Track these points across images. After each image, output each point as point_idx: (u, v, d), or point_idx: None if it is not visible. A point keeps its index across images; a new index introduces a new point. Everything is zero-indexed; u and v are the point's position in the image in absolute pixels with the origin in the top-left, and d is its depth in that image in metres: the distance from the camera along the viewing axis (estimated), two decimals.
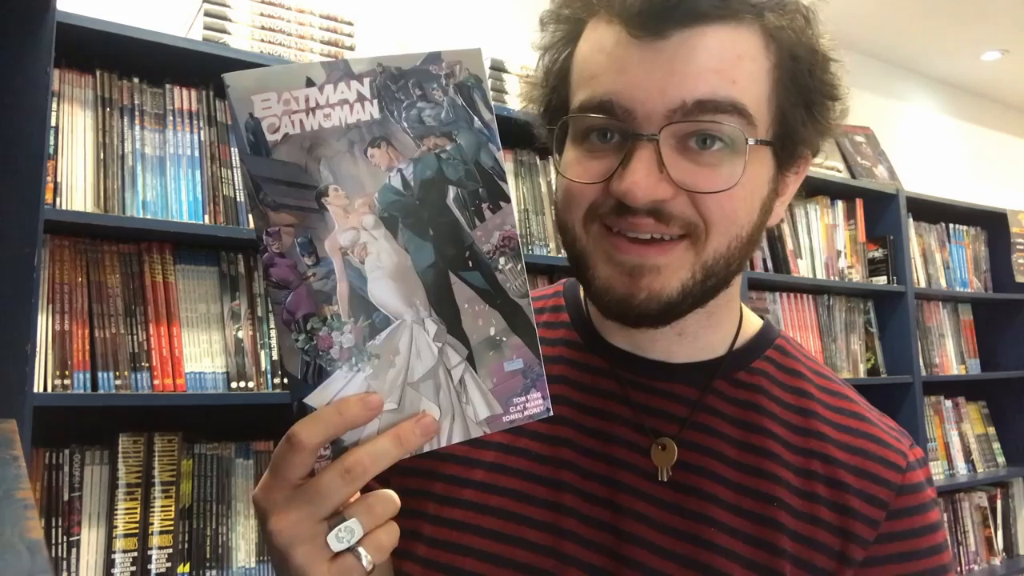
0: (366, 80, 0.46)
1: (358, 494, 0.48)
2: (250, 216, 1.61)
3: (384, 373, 0.47)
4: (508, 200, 0.50)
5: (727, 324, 0.69)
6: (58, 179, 1.45)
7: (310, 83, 0.45)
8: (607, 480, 0.64)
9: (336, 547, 0.46)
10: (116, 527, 1.42)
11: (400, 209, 0.47)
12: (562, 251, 2.03)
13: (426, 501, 0.65)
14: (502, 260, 0.49)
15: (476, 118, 0.49)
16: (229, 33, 1.70)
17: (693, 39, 0.56)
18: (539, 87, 0.67)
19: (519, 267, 0.50)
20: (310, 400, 0.46)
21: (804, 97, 0.60)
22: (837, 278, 2.65)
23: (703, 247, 0.58)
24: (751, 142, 0.57)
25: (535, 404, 0.50)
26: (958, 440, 2.94)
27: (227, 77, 0.44)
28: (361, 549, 0.47)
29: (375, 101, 0.46)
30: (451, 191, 0.48)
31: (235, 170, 1.63)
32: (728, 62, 0.56)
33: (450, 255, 0.48)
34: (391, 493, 0.49)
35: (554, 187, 2.07)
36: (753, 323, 0.71)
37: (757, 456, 0.64)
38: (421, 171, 0.47)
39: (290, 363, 0.46)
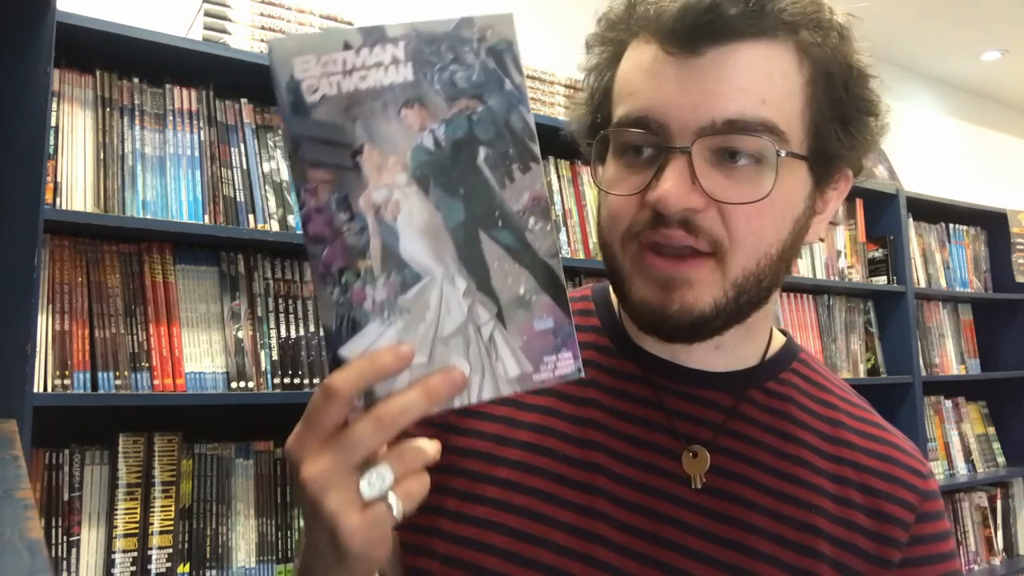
0: (401, 43, 0.47)
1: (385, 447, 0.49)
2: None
3: (415, 327, 0.48)
4: (538, 161, 0.50)
5: (761, 337, 0.70)
6: (58, 179, 1.45)
7: (347, 47, 0.47)
8: (642, 487, 0.64)
9: (368, 493, 0.46)
10: (116, 527, 1.42)
11: (432, 168, 0.48)
12: (562, 251, 2.03)
13: (446, 497, 0.65)
14: (531, 220, 0.50)
15: (507, 80, 0.49)
16: (229, 33, 1.70)
17: (725, 56, 0.57)
18: (584, 106, 0.69)
19: (548, 227, 0.50)
20: (344, 351, 0.47)
21: (839, 112, 0.61)
22: (837, 278, 2.66)
23: (728, 266, 0.59)
24: (782, 154, 0.58)
25: (566, 364, 0.50)
26: (958, 440, 2.94)
27: (270, 42, 0.46)
28: (392, 497, 0.47)
29: (409, 64, 0.48)
30: (482, 151, 0.49)
31: (235, 170, 1.63)
32: (757, 81, 0.58)
33: (480, 214, 0.49)
34: (423, 443, 0.49)
35: (562, 190, 2.08)
36: (778, 337, 0.73)
37: (793, 464, 0.65)
38: (452, 131, 0.48)
39: (326, 316, 0.47)
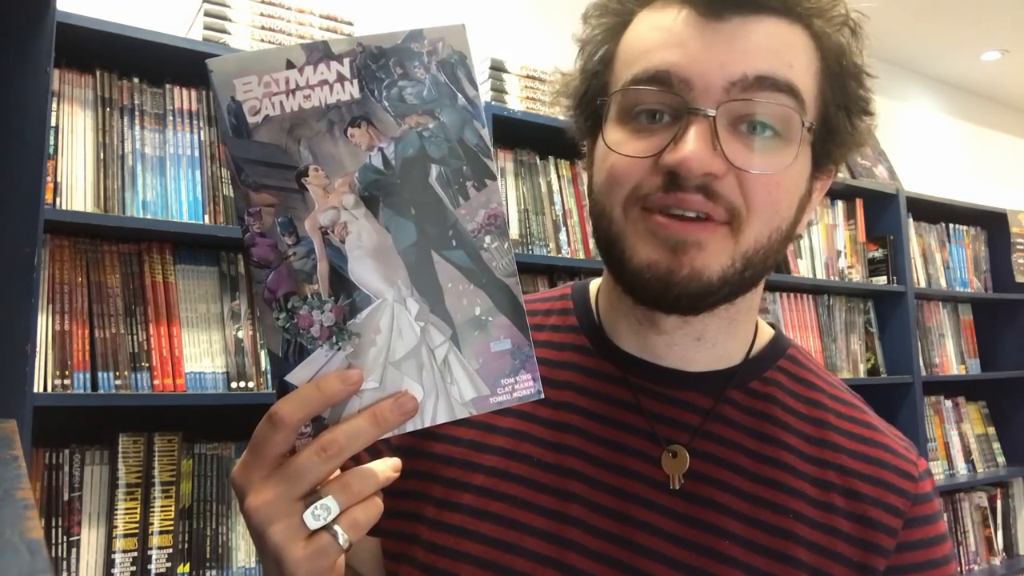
0: (346, 60, 0.46)
1: (338, 472, 0.48)
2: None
3: (365, 352, 0.47)
4: (494, 178, 0.49)
5: (745, 332, 0.68)
6: (58, 179, 1.45)
7: (290, 65, 0.46)
8: (617, 491, 0.62)
9: (312, 525, 0.46)
10: (116, 527, 1.42)
11: (381, 188, 0.47)
12: (561, 251, 2.03)
13: (425, 504, 0.64)
14: (487, 239, 0.48)
15: (460, 95, 0.48)
16: (229, 33, 1.70)
17: (750, 24, 0.57)
18: (577, 76, 0.66)
19: (506, 246, 0.49)
20: (291, 378, 0.46)
21: (844, 103, 0.61)
22: (837, 278, 2.65)
23: (742, 235, 0.57)
24: (805, 123, 0.58)
25: (524, 386, 0.49)
26: (958, 440, 2.94)
27: (210, 62, 0.45)
28: (337, 527, 0.46)
29: (355, 81, 0.46)
30: (434, 169, 0.48)
31: None
32: (784, 47, 0.57)
33: (432, 234, 0.48)
34: (371, 468, 0.48)
35: (561, 190, 2.08)
36: (766, 332, 0.71)
37: (772, 468, 0.63)
38: (403, 150, 0.47)
39: (271, 342, 0.46)
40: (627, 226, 0.59)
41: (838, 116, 0.61)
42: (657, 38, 0.58)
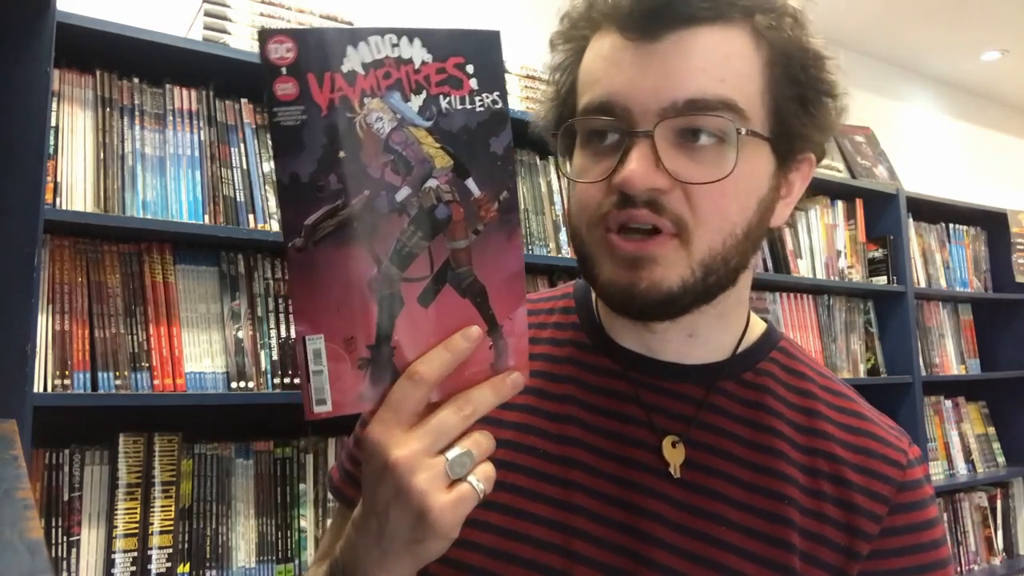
0: None
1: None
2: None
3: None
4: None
5: (736, 326, 0.71)
6: (58, 179, 1.45)
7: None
8: (620, 480, 0.65)
9: (454, 474, 0.50)
10: (116, 527, 1.42)
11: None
12: (562, 251, 2.03)
13: None
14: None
15: None
16: (229, 33, 1.70)
17: (684, 40, 0.59)
18: (550, 102, 0.70)
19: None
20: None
21: (799, 93, 0.63)
22: (837, 278, 2.65)
23: (693, 245, 0.60)
24: (742, 132, 0.59)
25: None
26: (958, 440, 2.94)
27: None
28: (472, 477, 0.51)
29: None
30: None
31: (235, 170, 1.63)
32: (715, 61, 0.59)
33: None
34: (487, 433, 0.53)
35: (561, 190, 2.08)
36: (757, 326, 0.73)
37: (766, 455, 0.66)
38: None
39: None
40: (592, 246, 0.64)
41: (791, 108, 0.62)
42: (600, 67, 0.62)
